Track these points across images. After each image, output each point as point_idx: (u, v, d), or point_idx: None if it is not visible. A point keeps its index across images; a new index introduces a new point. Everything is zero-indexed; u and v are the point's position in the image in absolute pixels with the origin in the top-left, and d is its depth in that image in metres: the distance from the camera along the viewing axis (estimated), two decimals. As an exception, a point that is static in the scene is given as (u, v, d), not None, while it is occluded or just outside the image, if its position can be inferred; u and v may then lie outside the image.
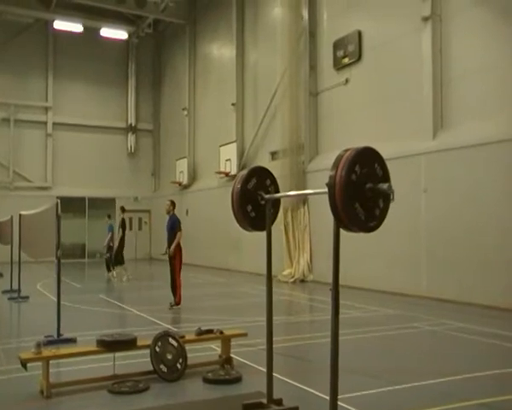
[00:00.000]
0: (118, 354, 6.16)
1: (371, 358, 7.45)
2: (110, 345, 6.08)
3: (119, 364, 6.13)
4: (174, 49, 28.07)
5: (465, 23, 12.51)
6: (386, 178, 3.77)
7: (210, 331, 6.81)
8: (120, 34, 28.26)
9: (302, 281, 16.79)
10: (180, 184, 26.05)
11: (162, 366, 6.13)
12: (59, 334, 8.16)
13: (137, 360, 6.56)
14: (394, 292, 13.39)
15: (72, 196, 26.21)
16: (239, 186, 4.93)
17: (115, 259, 17.98)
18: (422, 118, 13.26)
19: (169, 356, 6.19)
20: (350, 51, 15.82)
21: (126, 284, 17.28)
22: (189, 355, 6.35)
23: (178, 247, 11.79)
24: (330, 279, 3.93)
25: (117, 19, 27.25)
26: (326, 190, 3.68)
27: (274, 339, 5.03)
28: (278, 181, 5.16)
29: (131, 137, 29.62)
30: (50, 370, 5.73)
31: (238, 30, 21.75)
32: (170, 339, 6.34)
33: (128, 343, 6.20)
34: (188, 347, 6.46)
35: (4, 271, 16.17)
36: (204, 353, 7.17)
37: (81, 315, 11.11)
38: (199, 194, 24.62)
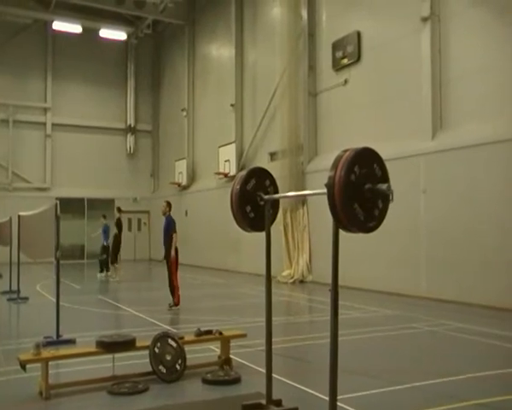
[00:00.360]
0: (117, 355, 6.15)
1: (371, 358, 7.45)
2: (109, 346, 6.07)
3: (118, 365, 6.12)
4: (173, 49, 28.08)
5: (464, 23, 12.52)
6: (385, 178, 3.77)
7: (209, 332, 6.81)
8: (119, 35, 28.26)
9: (301, 282, 16.78)
10: (179, 184, 26.05)
11: (161, 367, 6.12)
12: (58, 335, 8.15)
13: (137, 361, 6.55)
14: (393, 293, 13.39)
15: (71, 196, 26.19)
16: (238, 187, 4.93)
17: (111, 257, 18.07)
18: (421, 118, 13.27)
19: (168, 357, 6.19)
20: (349, 52, 15.82)
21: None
22: (188, 356, 6.34)
23: (175, 250, 11.75)
24: (329, 280, 3.93)
25: (116, 20, 27.25)
26: (325, 190, 3.67)
27: (273, 340, 5.02)
28: (277, 182, 5.16)
29: (130, 138, 29.61)
30: (49, 371, 5.72)
31: (237, 30, 21.76)
32: (169, 340, 6.34)
33: (127, 344, 6.19)
34: (187, 348, 6.46)
35: (3, 272, 16.15)
36: (203, 354, 7.16)
37: (80, 316, 11.10)
38: (198, 195, 24.62)
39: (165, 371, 6.12)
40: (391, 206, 3.79)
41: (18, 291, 13.07)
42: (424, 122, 13.18)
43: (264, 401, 4.99)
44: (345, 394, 4.99)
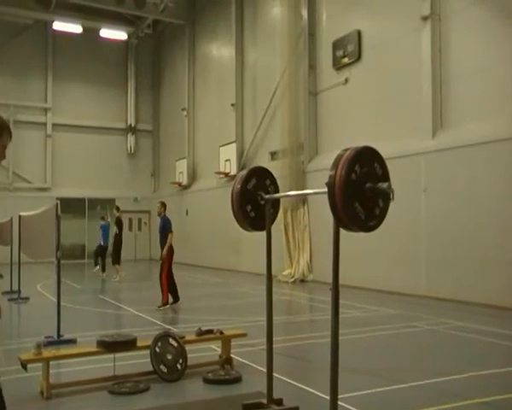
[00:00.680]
0: (118, 355, 6.15)
1: (371, 357, 7.45)
2: (110, 346, 6.07)
3: (119, 364, 6.13)
4: (173, 49, 28.07)
5: (464, 22, 12.51)
6: (385, 177, 3.77)
7: (210, 332, 6.81)
8: (120, 35, 28.26)
9: (302, 281, 16.79)
10: (180, 184, 26.05)
11: (162, 367, 6.13)
12: (59, 335, 8.15)
13: (137, 361, 6.56)
14: (394, 292, 13.40)
15: (71, 196, 26.19)
16: (239, 186, 4.93)
17: (113, 258, 18.10)
18: (422, 117, 13.26)
19: (169, 356, 6.19)
20: (349, 51, 15.82)
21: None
22: (189, 356, 6.35)
23: (170, 248, 11.73)
24: (330, 279, 3.93)
25: (116, 19, 27.25)
26: (326, 189, 3.67)
27: (274, 339, 5.03)
28: (278, 181, 5.16)
29: (131, 138, 29.61)
30: (50, 371, 5.73)
31: (237, 30, 21.75)
32: (170, 339, 6.34)
33: (128, 344, 6.20)
34: (188, 347, 6.46)
35: (4, 272, 16.15)
36: (204, 353, 7.17)
37: (81, 316, 11.11)
38: (198, 194, 24.63)
39: (166, 370, 6.12)
40: (391, 205, 3.79)
41: (19, 291, 13.08)
42: (424, 121, 13.18)
43: (264, 401, 4.99)
44: (345, 393, 4.99)
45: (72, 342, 8.02)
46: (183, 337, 6.55)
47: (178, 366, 6.20)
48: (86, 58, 27.83)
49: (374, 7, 15.21)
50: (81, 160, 27.74)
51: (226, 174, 21.52)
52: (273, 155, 19.16)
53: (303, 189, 16.25)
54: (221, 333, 6.79)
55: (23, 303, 12.63)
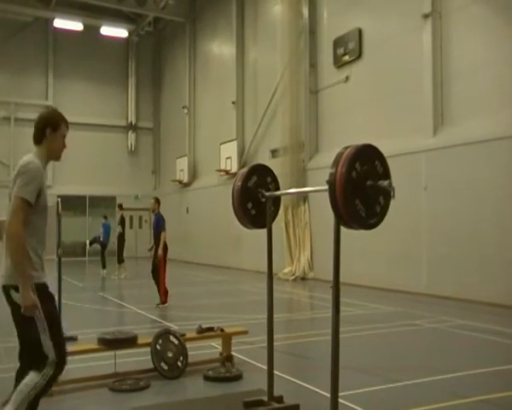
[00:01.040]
0: (119, 352, 6.16)
1: (372, 355, 7.46)
2: (111, 343, 6.08)
3: (119, 362, 6.13)
4: (174, 47, 28.06)
5: (465, 20, 12.49)
6: (386, 175, 3.77)
7: (211, 329, 6.81)
8: (120, 32, 28.25)
9: (303, 279, 16.79)
10: (180, 182, 26.06)
11: (163, 364, 6.13)
12: (60, 332, 8.15)
13: (138, 358, 6.56)
14: (394, 289, 13.40)
15: (72, 194, 26.21)
16: (239, 184, 4.93)
17: (118, 257, 18.12)
18: (423, 115, 13.25)
19: (170, 354, 6.20)
20: (350, 49, 15.80)
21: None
22: (189, 353, 6.35)
23: (164, 247, 11.67)
24: (331, 277, 3.93)
25: (117, 17, 27.26)
26: (326, 187, 3.67)
27: (274, 337, 5.03)
28: (279, 179, 5.16)
29: (132, 136, 29.62)
30: (51, 368, 5.72)
31: (238, 28, 21.74)
32: (170, 337, 6.34)
33: (129, 341, 6.20)
34: (188, 345, 6.46)
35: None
36: (205, 351, 7.17)
37: (82, 313, 11.12)
38: (199, 192, 24.64)
39: (166, 367, 6.13)
40: (392, 203, 3.79)
41: (20, 289, 13.07)
42: (425, 119, 13.16)
43: (265, 398, 4.99)
44: (346, 390, 5.00)
45: (72, 339, 8.01)
46: (183, 335, 6.55)
47: (179, 364, 6.21)
48: (87, 56, 27.83)
49: (374, 5, 15.20)
50: (82, 157, 27.70)
51: (227, 172, 21.52)
52: (274, 152, 19.15)
53: (304, 186, 16.24)
54: (222, 331, 6.79)
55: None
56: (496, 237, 11.33)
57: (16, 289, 3.61)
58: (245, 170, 5.04)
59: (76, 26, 26.76)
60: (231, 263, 21.07)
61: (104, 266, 18.91)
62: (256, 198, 4.93)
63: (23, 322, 3.69)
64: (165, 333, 6.40)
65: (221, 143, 22.11)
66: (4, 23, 26.08)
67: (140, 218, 29.50)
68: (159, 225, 11.73)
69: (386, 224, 4.02)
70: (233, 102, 21.69)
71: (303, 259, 17.02)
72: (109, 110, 28.97)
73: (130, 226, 27.71)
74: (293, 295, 14.32)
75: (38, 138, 3.89)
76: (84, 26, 26.82)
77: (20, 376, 3.80)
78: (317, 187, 4.31)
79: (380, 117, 14.73)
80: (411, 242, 13.35)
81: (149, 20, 27.22)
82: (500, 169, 11.34)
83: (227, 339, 6.78)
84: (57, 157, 4.03)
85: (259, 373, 5.87)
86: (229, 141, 21.71)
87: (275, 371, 4.99)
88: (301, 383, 5.94)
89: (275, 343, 5.04)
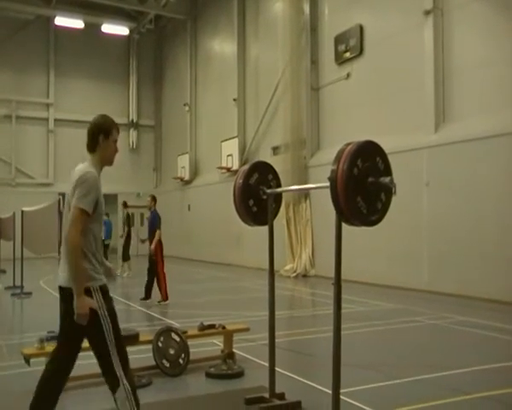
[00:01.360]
0: (120, 350, 6.16)
1: (373, 352, 7.46)
2: (113, 340, 6.08)
3: (121, 359, 6.13)
4: (175, 44, 28.04)
5: (467, 17, 12.47)
6: (388, 171, 3.77)
7: (212, 326, 6.82)
8: (121, 30, 28.20)
9: (304, 276, 16.80)
10: (182, 179, 26.06)
11: (165, 361, 6.14)
12: (62, 330, 8.15)
13: (140, 356, 6.56)
14: (396, 286, 13.40)
15: (74, 192, 26.17)
16: (241, 181, 4.93)
17: (123, 255, 18.11)
18: (424, 112, 13.23)
19: (171, 351, 6.21)
20: (351, 45, 15.78)
21: (127, 279, 17.36)
22: (191, 350, 6.36)
23: (159, 244, 11.69)
24: (332, 274, 3.93)
25: (118, 15, 27.23)
26: (328, 184, 3.67)
27: (276, 334, 5.04)
28: (280, 176, 5.16)
29: (133, 133, 29.60)
30: (53, 365, 5.73)
31: (239, 25, 21.72)
32: (172, 334, 6.35)
33: (130, 339, 6.19)
34: (190, 342, 6.47)
35: (7, 267, 16.20)
36: (206, 348, 7.18)
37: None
38: (200, 189, 24.63)
39: (168, 365, 6.14)
40: (393, 199, 3.79)
41: (21, 286, 13.12)
42: (427, 115, 13.15)
43: (267, 395, 5.00)
44: (347, 387, 5.00)
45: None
46: (185, 332, 6.55)
47: (181, 361, 6.21)
48: (88, 53, 27.80)
49: (376, 1, 15.18)
50: (83, 155, 27.34)
51: (228, 169, 21.52)
52: (275, 149, 19.15)
53: (305, 183, 16.23)
54: (223, 328, 6.80)
55: (26, 298, 12.67)
56: (496, 234, 11.32)
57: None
58: (246, 167, 5.05)
59: (77, 23, 26.72)
60: (233, 260, 21.08)
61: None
62: (257, 195, 4.94)
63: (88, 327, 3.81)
64: (167, 330, 6.41)
65: (222, 141, 22.10)
66: (6, 21, 26.06)
67: (141, 215, 29.48)
68: (154, 223, 11.79)
69: (388, 220, 4.02)
70: (234, 100, 21.67)
71: (304, 256, 17.02)
72: (110, 108, 28.84)
73: (132, 224, 27.69)
74: (295, 292, 14.33)
75: (92, 147, 3.97)
76: (86, 24, 26.79)
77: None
78: (319, 184, 4.32)
79: (381, 114, 14.72)
80: (413, 238, 13.34)
81: (150, 17, 27.19)
82: (501, 166, 11.33)
83: (228, 336, 6.79)
84: (110, 162, 4.14)
85: (261, 370, 5.88)
86: (230, 138, 21.69)
87: (276, 368, 5.00)
88: (303, 380, 5.95)
89: (276, 340, 5.05)
